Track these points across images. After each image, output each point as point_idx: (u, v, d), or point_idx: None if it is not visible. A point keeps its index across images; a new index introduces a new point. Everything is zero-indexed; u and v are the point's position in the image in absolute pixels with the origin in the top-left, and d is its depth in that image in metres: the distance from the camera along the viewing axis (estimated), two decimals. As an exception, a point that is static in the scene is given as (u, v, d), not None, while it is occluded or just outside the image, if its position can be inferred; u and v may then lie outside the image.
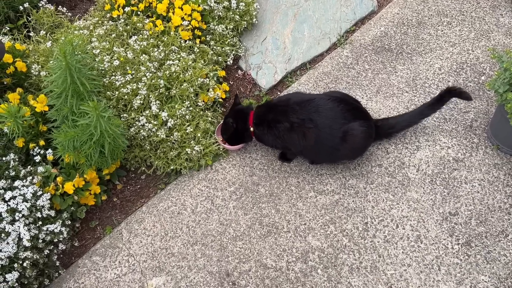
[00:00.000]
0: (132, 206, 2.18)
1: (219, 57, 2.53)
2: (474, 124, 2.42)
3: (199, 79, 2.24)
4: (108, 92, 2.13)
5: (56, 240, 1.86)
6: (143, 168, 2.23)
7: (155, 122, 2.12)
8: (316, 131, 2.01)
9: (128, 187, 2.23)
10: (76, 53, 1.86)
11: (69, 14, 2.60)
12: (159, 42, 2.33)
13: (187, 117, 2.19)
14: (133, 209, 2.17)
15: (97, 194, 2.05)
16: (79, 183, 1.94)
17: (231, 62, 2.59)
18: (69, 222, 1.93)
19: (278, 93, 2.59)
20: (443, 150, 2.34)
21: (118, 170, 2.20)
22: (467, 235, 2.08)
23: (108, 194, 2.16)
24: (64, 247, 1.93)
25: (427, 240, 2.07)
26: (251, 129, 2.14)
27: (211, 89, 2.30)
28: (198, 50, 2.41)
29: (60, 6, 2.59)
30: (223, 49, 2.55)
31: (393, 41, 2.80)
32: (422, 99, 2.52)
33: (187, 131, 2.17)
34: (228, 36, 2.59)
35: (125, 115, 2.13)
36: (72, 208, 1.96)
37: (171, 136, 2.15)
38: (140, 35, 2.32)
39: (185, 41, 2.40)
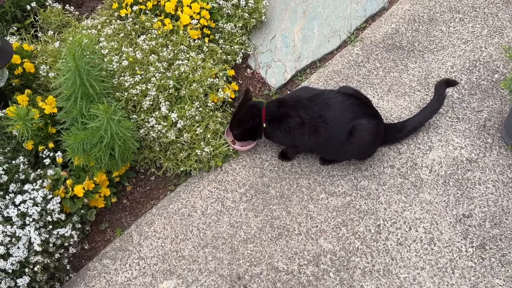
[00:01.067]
0: (142, 208, 2.16)
1: (228, 56, 2.49)
2: (488, 124, 2.38)
3: (209, 79, 2.21)
4: (117, 93, 2.10)
5: (66, 243, 1.85)
6: (153, 170, 2.21)
7: (165, 124, 2.09)
8: (325, 126, 1.99)
9: (138, 189, 2.21)
10: (84, 53, 1.83)
11: (77, 13, 2.57)
12: (168, 41, 2.30)
13: (196, 118, 2.16)
14: (143, 211, 2.15)
15: (106, 197, 2.04)
16: (89, 186, 1.92)
17: (240, 61, 2.56)
18: (79, 226, 1.92)
19: (288, 92, 2.56)
20: (456, 151, 2.30)
21: (127, 171, 2.18)
22: (481, 238, 2.05)
23: (117, 196, 2.15)
24: (74, 251, 1.92)
25: (441, 242, 2.04)
26: (264, 125, 2.11)
27: (220, 89, 2.26)
28: (207, 49, 2.38)
29: (67, 5, 2.56)
30: (232, 47, 2.51)
31: (404, 39, 2.75)
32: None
33: (197, 132, 2.14)
34: (237, 34, 2.56)
35: (134, 116, 2.11)
36: (82, 211, 1.94)
37: (181, 138, 2.12)
38: (149, 34, 2.29)
39: (194, 40, 2.37)
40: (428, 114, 2.26)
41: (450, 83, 2.27)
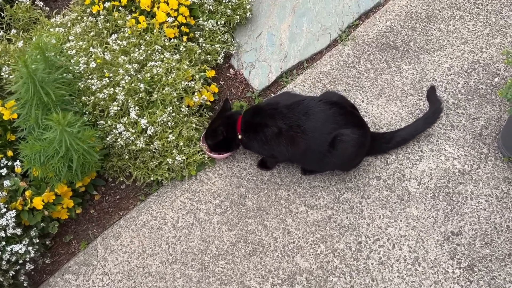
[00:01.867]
0: (110, 218, 2.04)
1: (208, 56, 2.34)
2: (484, 132, 2.22)
3: (184, 82, 2.07)
4: (83, 97, 1.97)
5: (21, 261, 1.74)
6: (122, 178, 2.09)
7: (133, 130, 1.96)
8: (304, 137, 1.85)
9: (107, 198, 2.09)
10: (47, 54, 1.71)
11: (47, 8, 2.41)
12: (141, 41, 2.15)
13: (169, 124, 2.03)
14: (111, 222, 2.04)
15: (70, 208, 1.92)
16: (49, 198, 1.80)
17: (222, 60, 2.40)
18: (37, 241, 1.80)
19: (272, 94, 2.41)
20: (448, 161, 2.15)
21: (96, 179, 2.06)
22: (470, 258, 1.91)
23: (84, 205, 2.03)
24: (32, 267, 1.81)
25: (426, 263, 1.90)
26: (239, 136, 1.98)
27: (196, 93, 2.12)
28: (184, 49, 2.23)
29: (37, 0, 2.40)
30: (213, 46, 2.36)
31: (399, 37, 2.57)
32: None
33: (169, 139, 2.01)
34: (219, 32, 2.40)
35: (101, 122, 1.98)
36: (42, 224, 1.83)
37: (151, 145, 2.00)
38: (121, 33, 2.15)
39: (170, 39, 2.22)
40: (421, 126, 2.11)
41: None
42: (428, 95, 2.16)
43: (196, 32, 2.35)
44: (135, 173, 2.02)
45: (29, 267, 1.79)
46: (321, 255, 1.93)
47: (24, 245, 1.71)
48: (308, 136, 1.85)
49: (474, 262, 1.90)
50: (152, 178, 2.02)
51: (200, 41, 2.34)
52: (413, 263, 1.91)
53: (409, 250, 1.93)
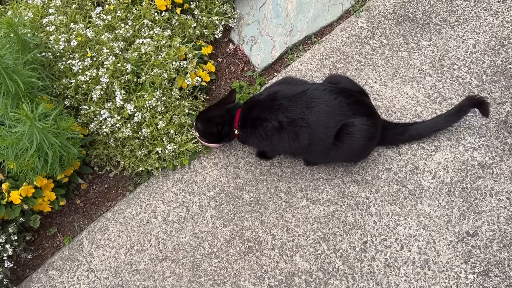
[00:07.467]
0: (97, 210, 1.91)
1: (204, 30, 2.12)
2: (510, 120, 2.00)
3: (175, 62, 1.86)
4: (64, 80, 1.79)
5: (-1, 259, 1.63)
6: (109, 168, 1.93)
7: (119, 117, 1.78)
8: (308, 131, 1.66)
9: (94, 187, 1.95)
10: (21, 32, 1.52)
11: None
12: (128, 14, 1.93)
13: (158, 109, 1.84)
14: (98, 214, 1.90)
15: (53, 200, 1.78)
16: (28, 192, 1.67)
17: (220, 34, 2.18)
18: (16, 237, 1.68)
19: (275, 73, 2.19)
20: (467, 153, 1.94)
21: (82, 166, 1.91)
22: (485, 262, 1.74)
23: (69, 195, 1.89)
24: (10, 265, 1.70)
25: (436, 266, 1.74)
26: (236, 132, 1.80)
27: (190, 73, 1.92)
28: (177, 23, 2.01)
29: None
30: (210, 19, 2.13)
31: (420, 8, 2.30)
32: (448, 86, 2.08)
33: (158, 126, 1.83)
34: (217, 2, 2.16)
35: (84, 106, 1.80)
36: (21, 218, 1.71)
37: (140, 133, 1.82)
38: (107, 5, 1.93)
39: (161, 12, 1.99)
40: (441, 123, 1.90)
41: (478, 104, 1.87)
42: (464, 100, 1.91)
43: (191, 3, 2.11)
44: (123, 162, 1.87)
45: (8, 265, 1.68)
46: (322, 255, 1.79)
47: (0, 243, 1.59)
48: (313, 130, 1.66)
49: (490, 267, 1.74)
50: (141, 168, 1.87)
51: (195, 13, 2.11)
52: (422, 266, 1.75)
53: (419, 252, 1.77)
